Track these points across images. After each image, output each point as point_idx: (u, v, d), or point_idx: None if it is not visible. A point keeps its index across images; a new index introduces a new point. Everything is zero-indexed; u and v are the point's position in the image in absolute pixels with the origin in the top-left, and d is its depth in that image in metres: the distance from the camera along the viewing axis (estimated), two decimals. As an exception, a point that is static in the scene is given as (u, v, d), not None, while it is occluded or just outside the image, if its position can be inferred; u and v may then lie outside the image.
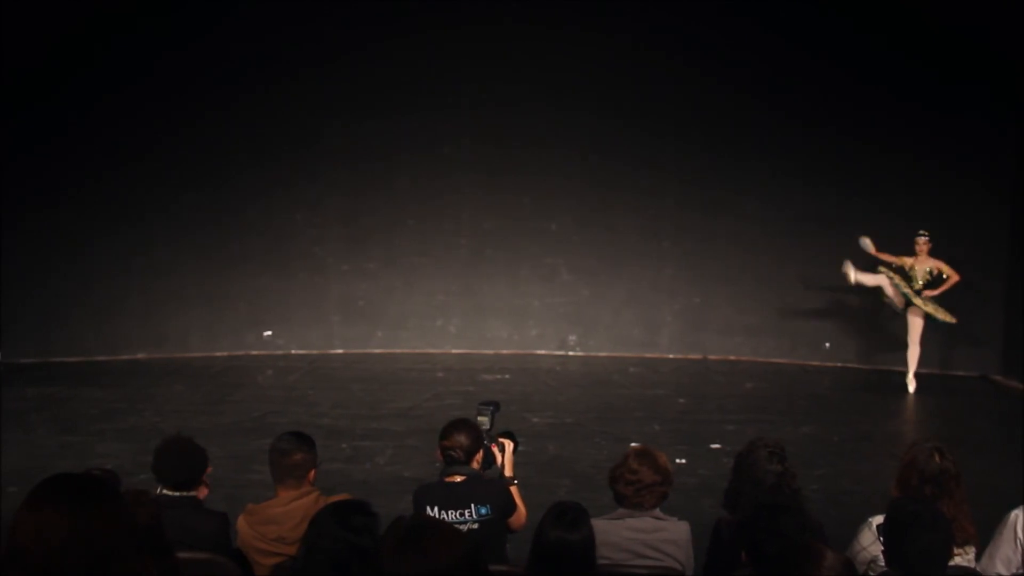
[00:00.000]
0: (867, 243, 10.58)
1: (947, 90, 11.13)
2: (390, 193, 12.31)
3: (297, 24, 11.69)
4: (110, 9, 11.24)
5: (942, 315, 10.34)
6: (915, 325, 10.50)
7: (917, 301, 10.33)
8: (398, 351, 12.32)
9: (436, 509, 4.18)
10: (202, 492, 4.36)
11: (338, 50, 11.81)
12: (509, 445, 4.62)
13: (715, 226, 12.13)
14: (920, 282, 10.36)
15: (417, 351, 12.27)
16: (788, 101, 11.66)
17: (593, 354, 12.39)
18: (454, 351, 12.39)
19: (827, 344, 12.00)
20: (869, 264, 10.69)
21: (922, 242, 10.35)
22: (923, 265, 10.39)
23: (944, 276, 10.41)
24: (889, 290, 10.52)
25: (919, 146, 11.39)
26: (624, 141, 12.01)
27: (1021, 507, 3.98)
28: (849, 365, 11.81)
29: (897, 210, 11.17)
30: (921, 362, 11.27)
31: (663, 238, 12.35)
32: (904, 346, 10.70)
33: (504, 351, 12.40)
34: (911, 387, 10.58)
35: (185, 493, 4.26)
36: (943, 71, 11.07)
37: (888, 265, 10.50)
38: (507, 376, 11.26)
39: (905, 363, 10.66)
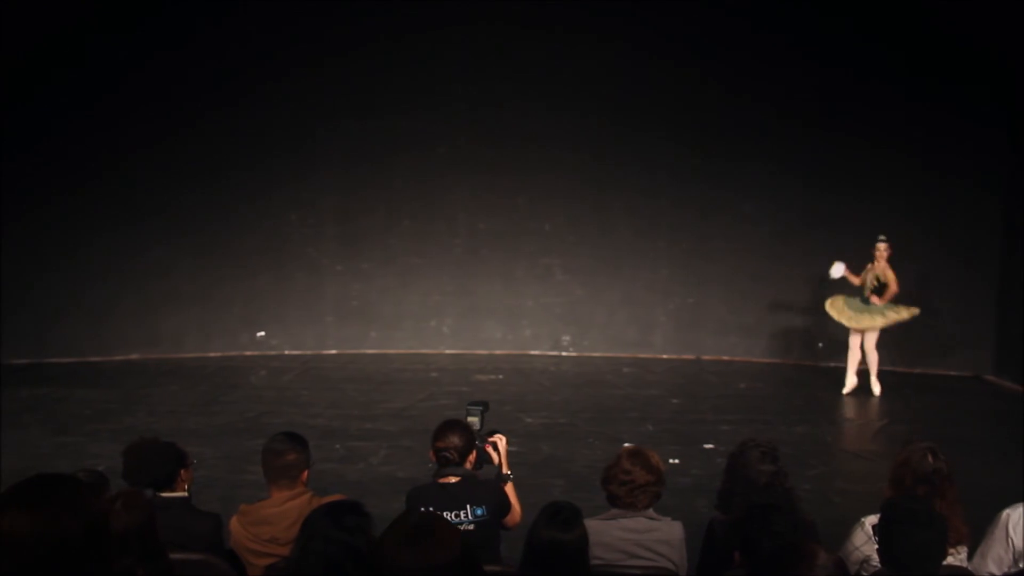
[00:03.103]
0: (840, 268, 10.41)
1: (942, 91, 11.12)
2: (385, 193, 12.30)
3: (293, 24, 11.66)
4: (105, 7, 11.22)
5: (903, 314, 10.27)
6: (871, 332, 10.42)
7: (866, 324, 10.29)
8: (392, 351, 12.31)
9: (431, 511, 4.17)
10: (181, 487, 4.36)
11: (333, 50, 11.79)
12: (502, 440, 4.63)
13: (710, 226, 12.14)
14: (869, 287, 10.33)
15: (411, 351, 12.27)
16: (785, 101, 11.65)
17: (587, 354, 12.39)
18: (448, 351, 12.38)
19: (820, 344, 12.00)
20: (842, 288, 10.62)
21: (882, 248, 10.23)
22: (875, 271, 10.30)
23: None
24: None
25: (914, 146, 11.41)
26: (619, 141, 12.01)
27: (1013, 507, 3.99)
28: (842, 365, 11.78)
29: (892, 210, 11.18)
30: (914, 361, 11.36)
31: (658, 238, 12.34)
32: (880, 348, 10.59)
33: (498, 351, 12.40)
34: (876, 390, 10.48)
35: (170, 494, 4.27)
36: (939, 72, 11.06)
37: (859, 289, 10.40)
38: (501, 376, 11.26)
39: (867, 369, 10.55)
